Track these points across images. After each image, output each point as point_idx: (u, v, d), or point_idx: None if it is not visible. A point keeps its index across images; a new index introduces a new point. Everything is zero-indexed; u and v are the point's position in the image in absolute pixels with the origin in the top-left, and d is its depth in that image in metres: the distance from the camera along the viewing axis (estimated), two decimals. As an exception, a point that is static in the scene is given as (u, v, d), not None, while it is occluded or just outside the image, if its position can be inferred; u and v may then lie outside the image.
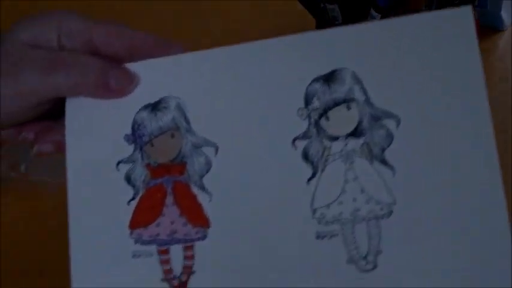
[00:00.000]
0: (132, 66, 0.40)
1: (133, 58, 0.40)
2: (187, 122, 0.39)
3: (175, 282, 0.38)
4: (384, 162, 0.36)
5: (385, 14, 0.55)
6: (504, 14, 0.77)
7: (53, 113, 0.41)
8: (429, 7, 0.58)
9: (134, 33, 0.40)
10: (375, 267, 0.36)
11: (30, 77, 0.38)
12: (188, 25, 0.85)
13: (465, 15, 0.36)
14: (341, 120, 0.37)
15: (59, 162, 0.65)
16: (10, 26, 0.40)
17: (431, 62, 0.36)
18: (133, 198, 0.39)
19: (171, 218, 0.38)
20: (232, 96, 0.38)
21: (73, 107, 0.40)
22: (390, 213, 0.36)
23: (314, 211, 0.36)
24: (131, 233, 0.38)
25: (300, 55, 0.38)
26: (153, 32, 0.41)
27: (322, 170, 0.37)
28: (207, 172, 0.38)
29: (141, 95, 0.39)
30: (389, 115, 0.36)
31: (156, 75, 0.39)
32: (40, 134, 0.42)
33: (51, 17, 0.40)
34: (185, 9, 0.86)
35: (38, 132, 0.42)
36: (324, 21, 0.61)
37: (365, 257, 0.36)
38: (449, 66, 0.36)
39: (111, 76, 0.39)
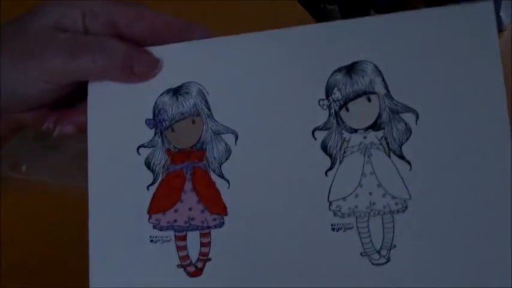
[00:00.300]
0: (155, 50, 0.39)
1: (156, 41, 0.40)
2: (209, 108, 0.39)
3: (191, 269, 0.38)
4: (401, 156, 0.36)
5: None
6: (503, 14, 0.77)
7: (71, 96, 0.41)
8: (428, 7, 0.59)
9: (157, 16, 0.40)
10: (388, 261, 0.36)
11: (57, 60, 0.38)
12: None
13: (486, 9, 0.36)
14: (361, 113, 0.37)
15: (59, 162, 0.65)
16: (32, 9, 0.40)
17: (451, 56, 0.36)
18: (152, 183, 0.39)
19: (189, 204, 0.38)
20: (254, 85, 0.38)
21: (95, 90, 0.40)
22: (405, 208, 0.36)
23: (330, 203, 0.37)
24: (149, 218, 0.39)
25: (323, 45, 0.37)
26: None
27: (340, 162, 0.37)
28: (227, 160, 0.38)
29: (163, 80, 0.39)
30: (409, 110, 0.36)
31: (178, 60, 0.39)
32: (60, 116, 0.42)
33: (74, 0, 0.40)
34: (185, 10, 0.86)
35: (58, 115, 0.42)
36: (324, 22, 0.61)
37: (378, 251, 0.36)
38: (470, 61, 0.36)
39: (135, 60, 0.39)
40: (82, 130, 0.41)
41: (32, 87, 0.39)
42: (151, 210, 0.39)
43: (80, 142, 0.69)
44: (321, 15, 0.60)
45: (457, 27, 0.36)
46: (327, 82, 0.37)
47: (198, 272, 0.38)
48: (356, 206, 0.36)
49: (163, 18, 0.40)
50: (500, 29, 0.78)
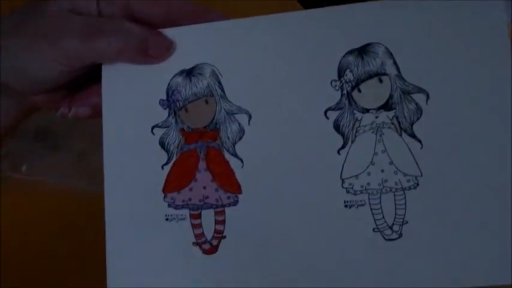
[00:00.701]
0: (169, 32, 0.40)
1: (171, 25, 0.40)
2: (222, 89, 0.39)
3: (206, 246, 0.39)
4: (412, 135, 0.37)
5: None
6: (503, 14, 0.78)
7: (85, 79, 0.42)
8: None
9: (173, 0, 0.40)
10: (400, 236, 0.37)
11: (73, 43, 0.38)
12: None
13: (499, 4, 0.37)
14: (373, 93, 0.38)
15: (59, 162, 0.65)
16: None
17: (462, 42, 0.37)
18: (167, 163, 0.39)
19: (203, 183, 0.39)
20: (267, 66, 0.39)
21: (109, 72, 0.40)
22: (416, 185, 0.37)
23: (343, 181, 0.37)
24: (165, 197, 0.39)
25: (335, 27, 0.38)
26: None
27: (353, 141, 0.38)
28: (240, 139, 0.39)
29: (177, 61, 0.40)
30: (420, 90, 0.37)
31: (192, 42, 0.40)
32: (75, 99, 0.42)
33: None
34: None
35: (73, 98, 0.42)
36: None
37: (391, 227, 0.37)
38: (479, 44, 0.37)
39: (150, 43, 0.39)
40: (97, 112, 0.42)
41: (47, 69, 0.39)
42: (166, 189, 0.39)
43: (80, 142, 0.69)
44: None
45: (469, 14, 0.37)
46: (339, 63, 0.38)
47: (213, 249, 0.38)
48: (368, 184, 0.37)
49: (179, 2, 0.40)
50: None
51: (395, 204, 0.37)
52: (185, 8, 0.40)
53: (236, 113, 0.39)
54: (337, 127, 0.38)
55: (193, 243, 0.39)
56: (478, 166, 0.36)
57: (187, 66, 0.40)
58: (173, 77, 0.40)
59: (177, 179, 0.39)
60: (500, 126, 0.36)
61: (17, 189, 0.63)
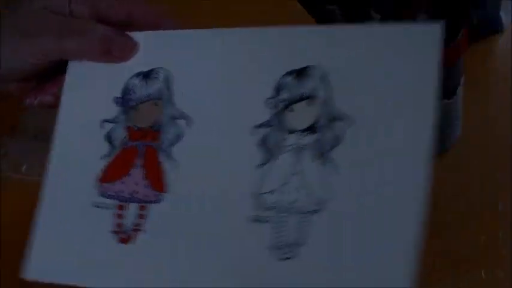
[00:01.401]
0: (133, 35, 0.44)
1: (134, 27, 0.44)
2: (171, 94, 0.42)
3: (123, 236, 0.40)
4: (330, 160, 0.37)
5: (385, 15, 0.56)
6: (503, 14, 0.77)
7: (53, 71, 0.45)
8: (428, 8, 0.59)
9: (135, 4, 0.45)
10: (292, 257, 0.37)
11: (46, 41, 0.43)
12: (189, 24, 0.85)
13: (434, 32, 0.37)
14: (301, 115, 0.39)
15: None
16: None
17: (393, 73, 0.37)
18: (108, 155, 0.42)
19: (135, 178, 0.41)
20: (213, 77, 0.41)
21: (75, 66, 0.44)
22: (323, 209, 0.37)
23: (257, 195, 0.38)
24: (99, 186, 0.42)
25: (278, 47, 0.40)
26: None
27: (274, 159, 0.38)
28: (177, 143, 0.41)
29: (137, 63, 0.43)
30: (344, 117, 0.38)
31: (152, 46, 0.43)
32: (41, 88, 0.46)
33: None
34: (185, 9, 0.86)
35: (39, 88, 0.46)
36: (323, 22, 0.61)
37: (286, 246, 0.37)
38: (408, 80, 0.37)
39: (114, 43, 0.43)
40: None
41: (20, 61, 0.43)
42: (102, 179, 0.42)
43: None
44: (321, 15, 0.60)
45: (404, 45, 0.38)
46: (278, 82, 0.39)
47: (128, 239, 0.40)
48: (279, 201, 0.38)
49: (140, 6, 0.45)
50: (500, 29, 0.78)
51: (299, 225, 0.37)
52: (144, 13, 0.44)
53: (178, 118, 0.41)
54: (263, 143, 0.39)
55: (112, 231, 0.41)
56: (387, 198, 0.36)
57: (145, 69, 0.43)
58: (131, 77, 0.43)
59: (113, 171, 0.42)
60: (411, 161, 0.36)
61: (17, 189, 0.63)
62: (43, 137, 0.67)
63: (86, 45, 0.43)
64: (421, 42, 0.37)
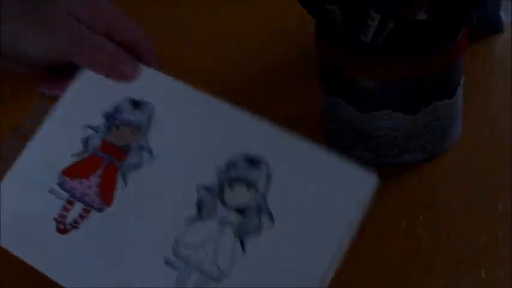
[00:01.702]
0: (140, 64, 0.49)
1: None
2: (148, 127, 0.47)
3: (60, 226, 0.46)
4: (242, 243, 0.42)
5: (385, 15, 0.56)
6: (503, 14, 0.77)
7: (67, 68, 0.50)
8: (428, 8, 0.59)
9: (140, 34, 0.49)
10: None
11: (61, 42, 0.47)
12: (190, 24, 0.85)
13: (368, 180, 0.42)
14: (238, 195, 0.44)
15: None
16: None
17: (321, 197, 0.42)
18: (78, 155, 0.47)
19: (91, 184, 0.47)
20: (183, 130, 0.47)
21: (83, 72, 0.49)
22: (220, 280, 0.42)
23: (178, 243, 0.43)
24: (60, 177, 0.47)
25: (243, 130, 0.46)
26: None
27: (203, 220, 0.44)
28: (135, 170, 0.46)
29: (132, 89, 0.48)
30: (269, 215, 0.43)
31: (149, 80, 0.48)
32: (54, 81, 0.51)
33: None
34: (185, 9, 0.86)
35: (52, 80, 0.51)
36: (324, 22, 0.61)
37: None
38: (330, 209, 0.42)
39: (120, 63, 0.48)
40: None
41: (36, 54, 0.48)
42: (64, 172, 0.47)
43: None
44: (321, 15, 0.60)
45: (340, 178, 0.43)
46: (231, 160, 0.45)
47: (63, 231, 0.46)
48: (190, 256, 0.43)
49: (146, 42, 0.49)
50: (500, 29, 0.78)
51: (197, 283, 0.42)
52: (144, 47, 0.49)
53: (145, 150, 0.46)
54: (199, 203, 0.44)
55: (54, 218, 0.46)
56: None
57: (137, 98, 0.48)
58: (124, 99, 0.48)
59: (76, 170, 0.47)
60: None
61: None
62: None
63: (95, 58, 0.48)
64: (354, 183, 0.42)
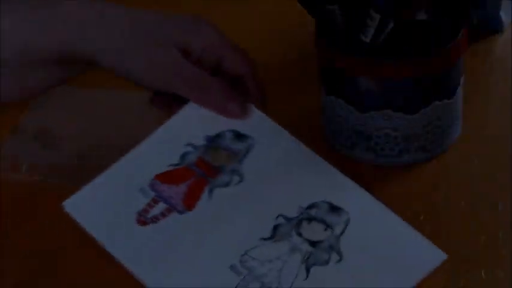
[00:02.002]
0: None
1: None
2: (244, 157, 0.52)
3: (141, 219, 0.49)
4: (307, 269, 0.46)
5: (385, 15, 0.56)
6: (503, 14, 0.77)
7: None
8: (428, 8, 0.59)
9: (249, 70, 0.55)
10: None
11: (169, 78, 0.53)
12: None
13: (436, 256, 0.47)
14: (313, 231, 0.48)
15: (59, 162, 0.64)
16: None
17: (390, 259, 0.47)
18: (174, 165, 0.52)
19: (179, 190, 0.51)
20: (276, 164, 0.53)
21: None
22: None
23: (246, 252, 0.47)
24: (152, 179, 0.51)
25: (326, 179, 0.52)
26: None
27: (275, 241, 0.48)
28: (222, 188, 0.51)
29: (237, 123, 0.54)
30: (339, 253, 0.47)
31: (254, 118, 0.55)
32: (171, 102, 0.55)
33: (199, 25, 0.54)
34: (184, 9, 0.86)
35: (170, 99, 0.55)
36: (324, 22, 0.61)
37: None
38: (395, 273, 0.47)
39: (234, 102, 0.53)
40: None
41: (140, 81, 0.53)
42: (157, 176, 0.52)
43: (79, 142, 0.69)
44: (321, 15, 0.60)
45: (411, 247, 0.48)
46: (316, 202, 0.50)
47: (144, 223, 0.49)
48: (255, 268, 0.47)
49: (253, 83, 0.55)
50: (500, 29, 0.78)
51: None
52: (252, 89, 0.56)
53: (236, 174, 0.52)
54: (276, 227, 0.49)
55: (137, 211, 0.50)
56: None
57: (241, 131, 0.54)
58: (228, 130, 0.54)
59: (169, 177, 0.52)
60: None
61: (17, 189, 0.63)
62: (43, 137, 0.67)
63: (206, 97, 0.53)
64: (423, 257, 0.47)
